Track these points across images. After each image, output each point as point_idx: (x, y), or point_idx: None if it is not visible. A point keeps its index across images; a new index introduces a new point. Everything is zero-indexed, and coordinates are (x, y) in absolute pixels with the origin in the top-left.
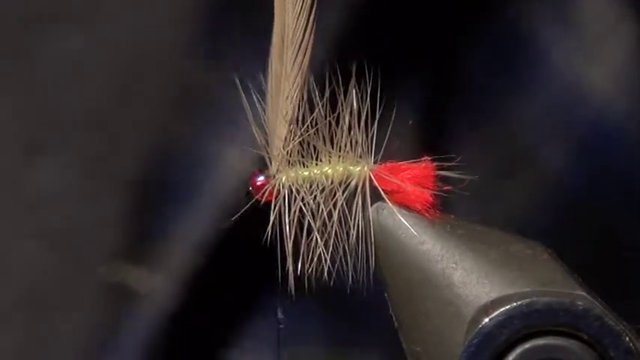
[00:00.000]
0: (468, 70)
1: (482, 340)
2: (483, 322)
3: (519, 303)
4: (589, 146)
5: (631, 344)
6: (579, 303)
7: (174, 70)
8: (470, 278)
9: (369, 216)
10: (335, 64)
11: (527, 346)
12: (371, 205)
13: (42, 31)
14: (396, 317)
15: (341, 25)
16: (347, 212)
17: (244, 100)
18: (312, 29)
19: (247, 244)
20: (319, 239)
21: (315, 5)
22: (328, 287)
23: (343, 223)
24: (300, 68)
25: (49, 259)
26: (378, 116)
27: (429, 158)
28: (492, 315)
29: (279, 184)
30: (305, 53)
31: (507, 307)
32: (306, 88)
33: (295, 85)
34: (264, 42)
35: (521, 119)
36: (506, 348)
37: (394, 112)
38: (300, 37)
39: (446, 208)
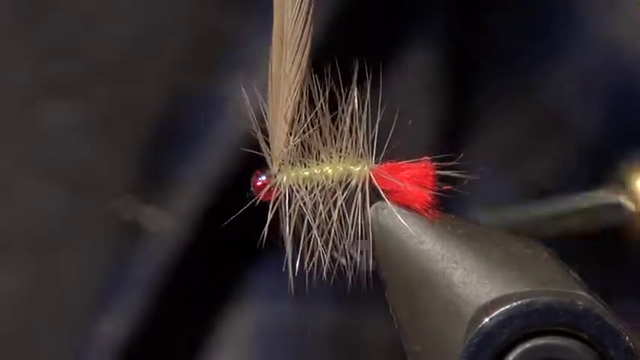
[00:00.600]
0: (498, 35)
1: (482, 340)
2: (483, 322)
3: (519, 303)
4: (622, 111)
5: (631, 344)
6: (579, 303)
7: (189, 15)
8: (470, 278)
9: (368, 216)
10: (335, 58)
11: (527, 345)
12: (371, 204)
13: None
14: (396, 317)
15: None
16: (347, 212)
17: (247, 99)
18: (310, 29)
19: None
20: (319, 238)
21: (312, 5)
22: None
23: (343, 222)
24: (299, 68)
25: (62, 194)
26: (380, 115)
27: (429, 158)
28: (492, 315)
29: (280, 184)
30: (303, 53)
31: (507, 306)
32: (306, 87)
33: (294, 85)
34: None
35: (553, 84)
36: (506, 348)
37: (397, 111)
38: (299, 37)
39: (477, 181)
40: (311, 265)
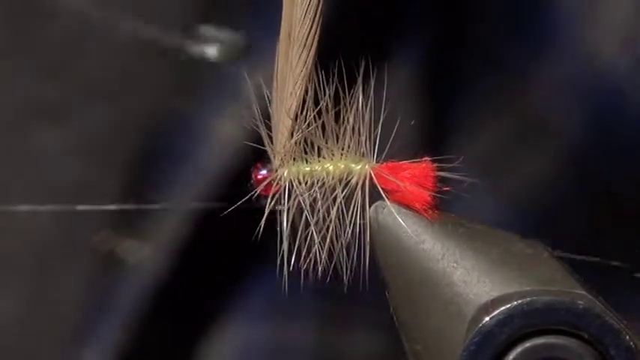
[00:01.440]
0: (482, 36)
1: (482, 339)
2: (484, 321)
3: (520, 302)
4: (605, 118)
5: (631, 343)
6: (579, 302)
7: (176, 45)
8: (470, 277)
9: (368, 215)
10: (340, 55)
11: (527, 344)
12: (371, 204)
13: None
14: (396, 316)
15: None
16: (346, 210)
17: (251, 92)
18: (318, 25)
19: (239, 214)
20: (317, 235)
21: (322, 1)
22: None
23: (342, 220)
24: (305, 64)
25: (51, 217)
26: (383, 113)
27: (430, 158)
28: (493, 314)
29: (280, 179)
30: (310, 49)
31: (508, 305)
32: (311, 84)
33: (300, 81)
34: (270, 18)
35: (537, 89)
36: (506, 347)
37: (400, 109)
38: (307, 33)
39: (457, 187)
40: (307, 262)
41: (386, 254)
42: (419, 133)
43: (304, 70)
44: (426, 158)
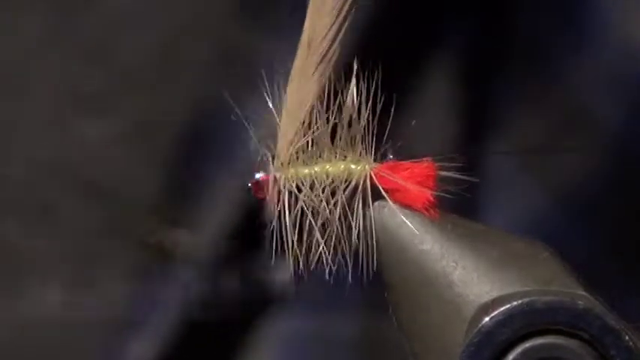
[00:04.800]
0: (525, 27)
1: (482, 340)
2: (483, 321)
3: (520, 302)
4: None
5: (631, 343)
6: (580, 302)
7: (219, 31)
8: (470, 277)
9: (369, 214)
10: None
11: (527, 345)
12: (372, 203)
13: None
14: (395, 316)
15: None
16: (347, 210)
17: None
18: (340, 40)
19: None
20: (319, 237)
21: (349, 18)
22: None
23: (344, 221)
24: (322, 76)
25: (93, 213)
26: (392, 113)
27: (431, 158)
28: (493, 314)
29: (279, 182)
30: (330, 60)
31: (508, 306)
32: (324, 93)
33: (314, 89)
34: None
35: (578, 79)
36: (506, 347)
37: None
38: (329, 45)
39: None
40: (313, 264)
41: (386, 254)
42: (463, 124)
43: (320, 80)
44: (427, 158)
